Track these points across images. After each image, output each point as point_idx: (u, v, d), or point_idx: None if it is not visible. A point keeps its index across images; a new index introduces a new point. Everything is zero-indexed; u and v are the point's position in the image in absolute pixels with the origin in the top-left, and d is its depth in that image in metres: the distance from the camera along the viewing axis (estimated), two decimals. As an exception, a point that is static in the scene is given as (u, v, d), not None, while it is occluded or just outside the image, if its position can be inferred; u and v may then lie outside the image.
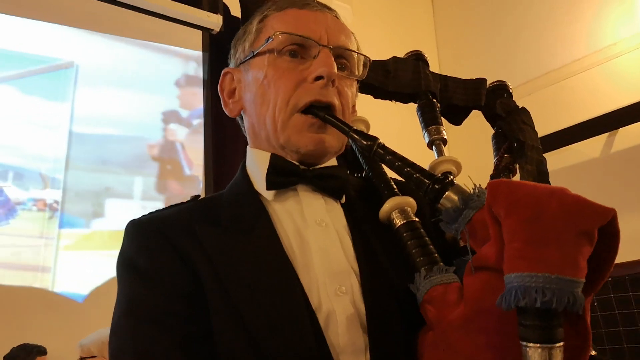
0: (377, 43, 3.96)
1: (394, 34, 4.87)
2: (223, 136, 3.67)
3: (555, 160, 3.93)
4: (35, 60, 3.36)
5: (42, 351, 2.82)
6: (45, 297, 3.07)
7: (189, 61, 3.91)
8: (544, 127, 3.97)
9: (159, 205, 3.33)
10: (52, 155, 3.25)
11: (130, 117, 3.57)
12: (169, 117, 3.73)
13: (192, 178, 3.67)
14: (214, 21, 3.97)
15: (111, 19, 3.67)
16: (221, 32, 3.96)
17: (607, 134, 3.92)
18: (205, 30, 4.03)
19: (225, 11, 4.02)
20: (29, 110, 3.24)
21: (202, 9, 3.95)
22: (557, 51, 4.34)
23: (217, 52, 3.95)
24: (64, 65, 3.44)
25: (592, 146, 3.98)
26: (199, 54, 3.96)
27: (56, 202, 3.19)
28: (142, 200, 3.47)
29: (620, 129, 3.86)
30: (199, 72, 3.93)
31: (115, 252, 1.03)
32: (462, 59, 5.00)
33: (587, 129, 3.98)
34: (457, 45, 5.18)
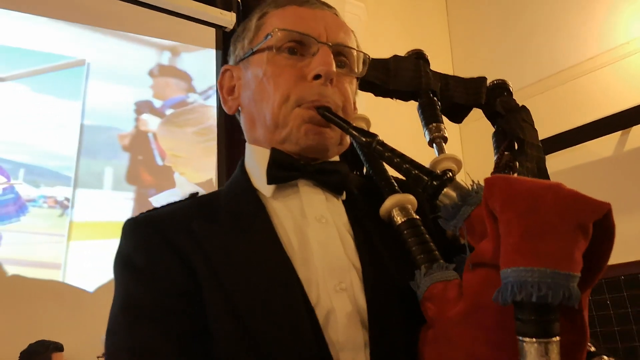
0: (391, 42, 3.97)
1: (408, 33, 4.86)
2: (236, 135, 3.68)
3: (568, 159, 3.93)
4: (47, 58, 3.38)
5: (58, 347, 2.85)
6: (57, 292, 3.09)
7: (163, 51, 3.89)
8: (556, 125, 4.01)
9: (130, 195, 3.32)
10: (62, 152, 3.27)
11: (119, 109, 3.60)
12: (141, 107, 3.72)
13: (164, 169, 3.65)
14: (228, 19, 3.99)
15: (123, 16, 3.69)
16: (234, 29, 3.97)
17: (619, 132, 3.91)
18: (218, 27, 4.05)
19: (238, 9, 4.04)
20: (39, 108, 3.27)
21: (216, 7, 3.97)
22: (570, 50, 4.32)
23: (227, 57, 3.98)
24: (76, 63, 3.46)
25: (604, 145, 3.97)
26: (172, 43, 3.93)
27: (67, 199, 3.21)
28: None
29: (633, 127, 3.84)
30: (174, 62, 3.90)
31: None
32: (475, 57, 5.00)
33: (599, 127, 3.96)
34: (470, 44, 5.18)
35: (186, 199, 1.13)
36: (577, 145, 4.01)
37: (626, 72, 3.97)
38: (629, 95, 3.88)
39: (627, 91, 3.92)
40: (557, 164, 3.77)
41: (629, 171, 3.81)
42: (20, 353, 2.77)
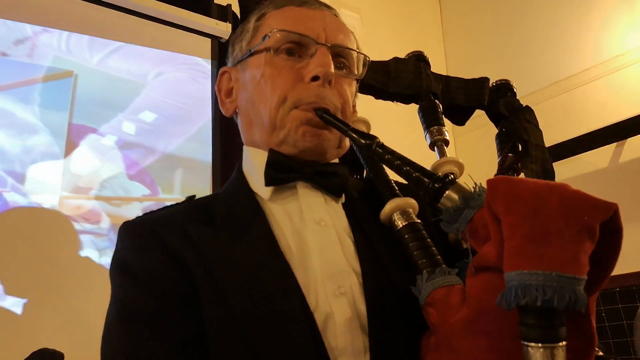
0: (385, 53, 3.96)
1: (403, 44, 4.86)
2: (231, 143, 3.67)
3: (564, 170, 3.93)
4: (38, 69, 3.35)
5: (56, 357, 2.81)
6: (51, 301, 3.07)
7: None
8: (552, 136, 3.98)
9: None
10: (50, 161, 3.24)
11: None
12: None
13: None
14: (223, 29, 3.99)
15: (118, 26, 3.68)
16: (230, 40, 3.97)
17: (615, 144, 3.92)
18: (214, 38, 4.04)
19: (234, 19, 4.04)
20: (26, 117, 3.23)
21: (211, 17, 3.97)
22: (565, 61, 4.34)
23: (225, 59, 3.97)
24: (65, 75, 3.43)
25: (600, 156, 3.98)
26: None
27: (53, 207, 3.18)
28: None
29: (629, 139, 3.85)
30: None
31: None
32: (470, 68, 5.00)
33: (595, 138, 3.98)
34: (465, 56, 5.20)
35: (183, 202, 1.11)
36: (572, 157, 4.02)
37: (621, 83, 3.99)
38: (624, 106, 3.89)
39: (622, 103, 3.93)
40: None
41: (624, 182, 3.81)
42: None
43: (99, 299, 2.99)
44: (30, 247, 3.00)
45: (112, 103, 3.48)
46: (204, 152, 3.74)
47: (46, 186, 3.16)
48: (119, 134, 3.42)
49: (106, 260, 3.15)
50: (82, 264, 3.12)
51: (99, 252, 3.17)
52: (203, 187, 3.62)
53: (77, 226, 3.14)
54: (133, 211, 3.26)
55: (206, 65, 3.97)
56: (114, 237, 3.19)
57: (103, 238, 3.19)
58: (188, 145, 3.69)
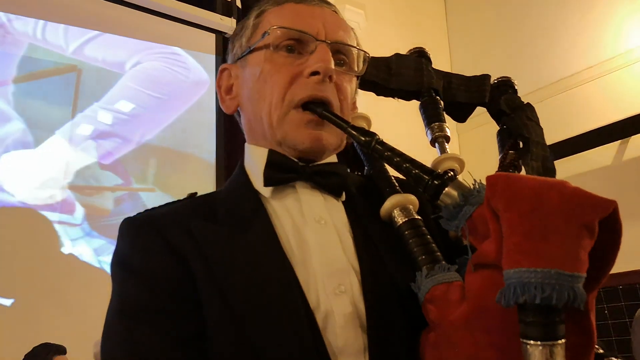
0: (390, 50, 3.96)
1: (407, 41, 4.85)
2: (236, 140, 3.67)
3: (567, 167, 3.92)
4: (44, 63, 3.36)
5: (61, 350, 2.87)
6: (59, 296, 3.08)
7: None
8: (555, 134, 4.00)
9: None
10: (57, 157, 3.25)
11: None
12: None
13: None
14: (228, 24, 4.00)
15: (122, 21, 3.68)
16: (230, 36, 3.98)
17: (619, 141, 3.91)
18: (218, 33, 4.05)
19: (238, 14, 4.04)
20: (30, 113, 3.24)
21: (216, 12, 3.98)
22: (569, 58, 4.33)
23: (226, 56, 3.98)
24: (69, 69, 3.43)
25: (603, 154, 3.97)
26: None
27: (57, 202, 3.19)
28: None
29: (632, 136, 3.84)
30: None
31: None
32: (473, 65, 5.00)
33: (599, 136, 3.97)
34: (469, 52, 5.19)
35: (185, 199, 1.11)
36: (576, 154, 4.01)
37: (628, 80, 3.98)
38: (629, 104, 3.89)
39: (628, 100, 3.92)
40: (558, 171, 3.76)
41: (628, 180, 3.81)
42: (25, 355, 2.79)
43: (79, 291, 3.02)
44: (7, 242, 3.03)
45: (89, 92, 3.49)
46: (180, 142, 3.75)
47: (18, 176, 3.16)
48: (95, 123, 3.42)
49: (79, 250, 3.17)
50: (58, 254, 3.13)
51: (71, 242, 3.16)
52: (178, 177, 3.62)
53: (49, 216, 3.15)
54: (106, 201, 3.25)
55: (184, 54, 3.96)
56: (87, 227, 3.20)
57: (76, 228, 3.19)
58: (163, 135, 3.68)
